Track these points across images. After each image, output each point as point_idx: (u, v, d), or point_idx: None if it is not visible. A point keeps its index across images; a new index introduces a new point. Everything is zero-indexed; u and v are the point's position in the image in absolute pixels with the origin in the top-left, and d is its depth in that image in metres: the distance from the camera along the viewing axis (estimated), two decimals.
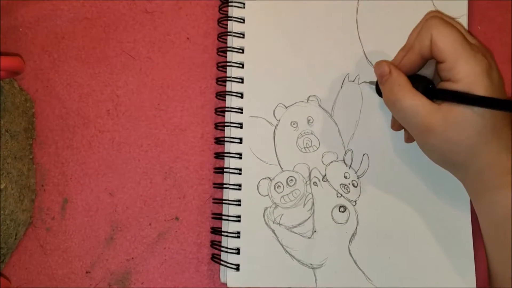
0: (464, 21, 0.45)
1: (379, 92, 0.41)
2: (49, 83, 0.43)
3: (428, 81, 0.37)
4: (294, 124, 0.42)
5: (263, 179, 0.41)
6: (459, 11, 0.45)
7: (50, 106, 0.43)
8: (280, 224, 0.41)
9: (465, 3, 0.45)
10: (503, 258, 0.36)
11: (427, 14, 0.39)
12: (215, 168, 0.43)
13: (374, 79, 0.42)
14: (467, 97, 0.33)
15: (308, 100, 0.43)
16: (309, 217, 0.41)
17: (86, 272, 0.41)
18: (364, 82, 0.43)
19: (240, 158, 0.41)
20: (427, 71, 0.38)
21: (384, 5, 0.44)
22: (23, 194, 0.40)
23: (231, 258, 0.40)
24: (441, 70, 0.35)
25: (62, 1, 0.44)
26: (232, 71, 0.42)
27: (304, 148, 0.42)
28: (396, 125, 0.41)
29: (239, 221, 0.41)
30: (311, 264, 0.41)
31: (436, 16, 0.36)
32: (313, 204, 0.41)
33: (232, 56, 0.43)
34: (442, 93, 0.35)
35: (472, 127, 0.34)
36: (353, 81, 0.43)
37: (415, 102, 0.35)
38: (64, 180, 0.42)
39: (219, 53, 0.43)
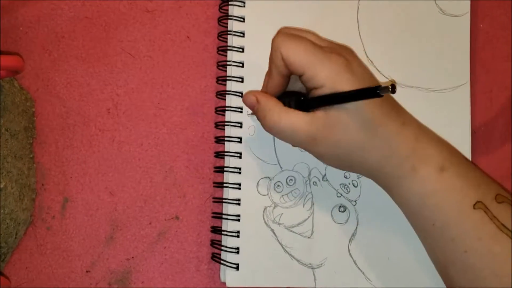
0: (467, 19, 0.44)
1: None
2: (49, 82, 0.43)
3: (299, 94, 0.37)
4: None
5: (262, 178, 0.41)
6: (462, 10, 0.44)
7: (50, 105, 0.43)
8: (279, 224, 0.41)
9: (468, 2, 0.44)
10: (431, 247, 0.37)
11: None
12: (215, 167, 0.42)
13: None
14: (333, 97, 0.33)
15: None
16: (308, 217, 0.41)
17: (86, 272, 0.41)
18: (248, 115, 0.41)
19: (240, 157, 0.41)
20: (298, 85, 0.38)
21: (385, 4, 0.44)
22: (23, 193, 0.40)
23: (231, 258, 0.40)
24: (304, 81, 0.35)
25: (62, 0, 0.44)
26: (232, 70, 0.42)
27: None
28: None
29: (238, 220, 0.41)
30: (310, 263, 0.41)
31: (280, 33, 0.36)
32: (312, 203, 0.41)
33: (232, 55, 0.42)
34: (312, 102, 0.35)
35: (353, 124, 0.34)
36: None
37: (290, 119, 0.35)
38: (64, 179, 0.42)
39: (219, 52, 0.43)
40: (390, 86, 0.29)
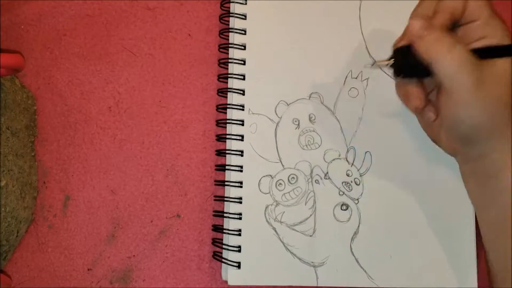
0: None
1: (398, 71, 0.36)
2: (50, 80, 0.43)
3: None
4: (296, 121, 0.42)
5: (264, 176, 0.41)
6: None
7: (51, 103, 0.43)
8: (281, 222, 0.41)
9: None
10: (504, 253, 0.35)
11: None
12: (216, 166, 0.42)
13: (377, 77, 0.41)
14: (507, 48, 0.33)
15: (310, 97, 0.42)
16: (310, 215, 0.41)
17: (88, 270, 0.41)
18: (370, 65, 0.38)
19: (242, 155, 0.41)
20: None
21: (387, 1, 0.44)
22: (25, 191, 0.40)
23: (232, 256, 0.40)
24: (472, 29, 0.34)
25: None
26: (233, 68, 0.42)
27: (306, 145, 0.42)
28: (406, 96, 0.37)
29: (240, 218, 0.40)
30: (312, 262, 0.40)
31: None
32: (314, 202, 0.41)
33: (233, 53, 0.42)
34: (489, 50, 0.34)
35: None
36: (356, 78, 0.43)
37: (466, 55, 0.33)
38: (65, 177, 0.42)
39: (221, 49, 0.43)
40: None
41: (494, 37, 0.34)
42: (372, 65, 0.38)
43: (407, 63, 0.35)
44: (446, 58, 0.33)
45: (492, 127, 0.34)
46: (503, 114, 0.34)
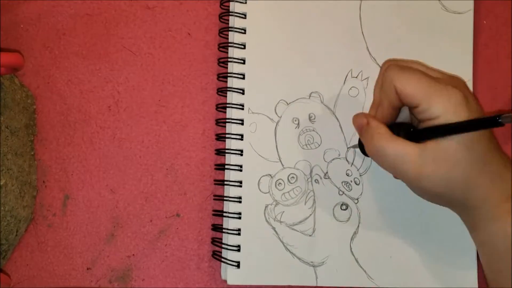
0: (470, 16, 0.44)
1: (363, 152, 0.39)
2: (50, 80, 0.43)
3: (407, 126, 0.37)
4: (295, 120, 0.42)
5: (264, 176, 0.41)
6: (465, 7, 0.44)
7: (51, 102, 0.43)
8: (281, 222, 0.41)
9: None
10: None
11: (382, 65, 0.38)
12: (216, 165, 0.42)
13: (377, 74, 0.41)
14: (450, 127, 0.32)
15: (310, 96, 0.42)
16: (310, 215, 0.41)
17: (87, 269, 0.41)
18: (348, 148, 0.42)
19: (241, 154, 0.41)
20: (402, 116, 0.38)
21: (387, 1, 0.44)
22: (24, 190, 0.40)
23: (232, 255, 0.40)
24: (417, 113, 0.34)
25: None
26: (233, 67, 0.42)
27: (306, 145, 0.42)
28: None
29: (239, 218, 0.40)
30: (312, 262, 0.40)
31: (391, 66, 0.35)
32: (314, 201, 0.41)
33: (233, 52, 0.42)
34: (426, 132, 0.34)
35: (464, 159, 0.33)
36: (356, 77, 0.43)
37: (399, 146, 0.34)
38: (65, 176, 0.42)
39: (220, 49, 0.43)
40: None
41: (437, 118, 0.33)
42: (354, 147, 0.42)
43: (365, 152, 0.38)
44: (386, 151, 0.34)
45: (453, 197, 0.35)
46: (458, 187, 0.34)
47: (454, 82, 0.35)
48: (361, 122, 0.37)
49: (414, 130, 0.36)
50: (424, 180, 0.34)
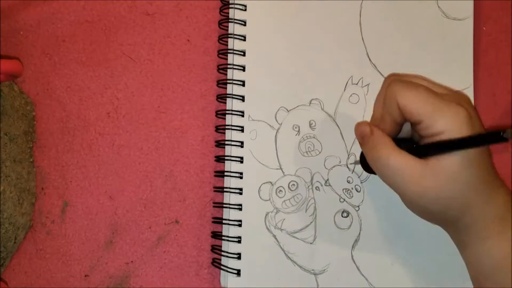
0: (470, 22, 0.44)
1: (365, 168, 0.39)
2: (49, 86, 0.43)
3: (409, 141, 0.36)
4: (296, 128, 0.42)
5: (264, 183, 0.41)
6: (465, 13, 0.44)
7: (50, 109, 0.43)
8: (281, 229, 0.40)
9: (471, 4, 0.44)
10: None
11: (385, 80, 0.37)
12: (215, 172, 0.42)
13: (378, 82, 0.41)
14: (453, 143, 0.32)
15: (310, 103, 0.42)
16: (311, 222, 0.41)
17: (85, 276, 0.41)
18: (350, 163, 0.41)
19: (241, 162, 0.41)
20: (404, 131, 0.37)
21: (387, 6, 0.44)
22: (23, 197, 0.40)
23: (232, 263, 0.40)
24: (420, 129, 0.34)
25: (62, 4, 0.43)
26: (233, 74, 0.42)
27: (306, 152, 0.41)
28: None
29: (240, 225, 0.40)
30: (313, 270, 0.40)
31: (395, 81, 0.35)
32: (315, 209, 0.41)
33: (233, 59, 0.42)
34: (428, 148, 0.34)
35: (464, 179, 0.33)
36: (357, 83, 0.43)
37: (402, 159, 0.33)
38: (64, 183, 0.42)
39: (220, 55, 0.43)
40: None
41: (440, 134, 0.33)
42: (355, 163, 0.41)
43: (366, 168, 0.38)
44: (388, 161, 0.34)
45: (447, 215, 0.34)
46: (455, 204, 0.33)
47: (458, 98, 0.35)
48: (364, 130, 0.36)
49: (417, 146, 0.35)
50: (422, 195, 0.33)
